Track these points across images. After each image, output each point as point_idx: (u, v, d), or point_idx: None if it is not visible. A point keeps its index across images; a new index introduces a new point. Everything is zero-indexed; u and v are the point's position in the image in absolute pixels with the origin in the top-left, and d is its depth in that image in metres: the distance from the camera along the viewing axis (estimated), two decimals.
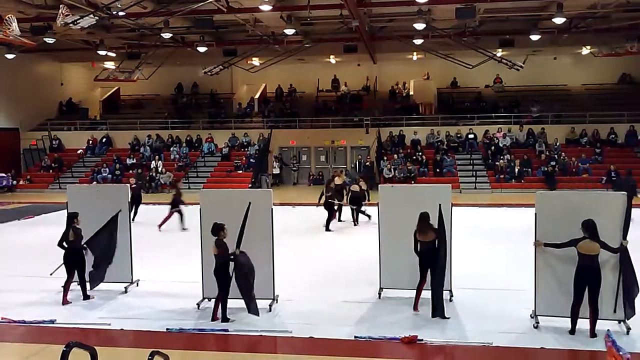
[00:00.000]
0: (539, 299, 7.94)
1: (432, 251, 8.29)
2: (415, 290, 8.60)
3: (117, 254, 9.66)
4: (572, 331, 7.51)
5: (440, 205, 8.38)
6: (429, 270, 8.37)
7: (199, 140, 30.32)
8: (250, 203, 8.42)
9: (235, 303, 8.72)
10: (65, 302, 9.16)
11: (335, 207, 16.30)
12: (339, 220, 16.82)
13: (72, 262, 9.21)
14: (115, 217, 9.61)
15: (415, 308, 8.57)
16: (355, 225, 16.35)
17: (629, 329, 7.55)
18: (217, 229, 8.12)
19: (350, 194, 16.64)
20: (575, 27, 23.60)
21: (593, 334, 7.40)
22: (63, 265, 9.27)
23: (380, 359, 7.06)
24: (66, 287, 9.25)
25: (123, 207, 9.79)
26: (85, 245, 9.32)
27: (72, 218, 9.24)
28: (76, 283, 9.38)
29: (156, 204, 19.27)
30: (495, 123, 28.85)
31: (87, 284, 9.41)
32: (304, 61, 30.84)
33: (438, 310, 8.20)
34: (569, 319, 7.56)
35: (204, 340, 7.72)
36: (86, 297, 9.33)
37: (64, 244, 9.15)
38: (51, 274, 9.54)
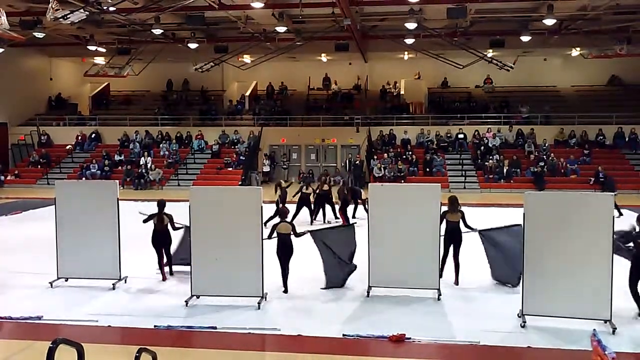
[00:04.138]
0: (526, 298, 7.98)
1: (456, 229, 9.72)
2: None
3: (106, 250, 9.65)
4: None
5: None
6: (451, 246, 9.79)
7: (189, 137, 30.18)
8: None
9: (222, 301, 8.73)
10: (164, 278, 10.15)
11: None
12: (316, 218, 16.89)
13: (158, 243, 10.12)
14: None
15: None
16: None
17: (614, 328, 7.61)
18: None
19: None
20: (565, 29, 23.75)
21: None
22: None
23: (369, 357, 7.06)
24: (160, 266, 10.20)
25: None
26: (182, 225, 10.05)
27: (162, 205, 10.14)
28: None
29: (145, 200, 19.15)
30: (485, 123, 28.99)
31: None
32: (295, 59, 30.79)
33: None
34: (557, 319, 7.59)
35: (192, 337, 7.69)
36: (165, 278, 10.14)
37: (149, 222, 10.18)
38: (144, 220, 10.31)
